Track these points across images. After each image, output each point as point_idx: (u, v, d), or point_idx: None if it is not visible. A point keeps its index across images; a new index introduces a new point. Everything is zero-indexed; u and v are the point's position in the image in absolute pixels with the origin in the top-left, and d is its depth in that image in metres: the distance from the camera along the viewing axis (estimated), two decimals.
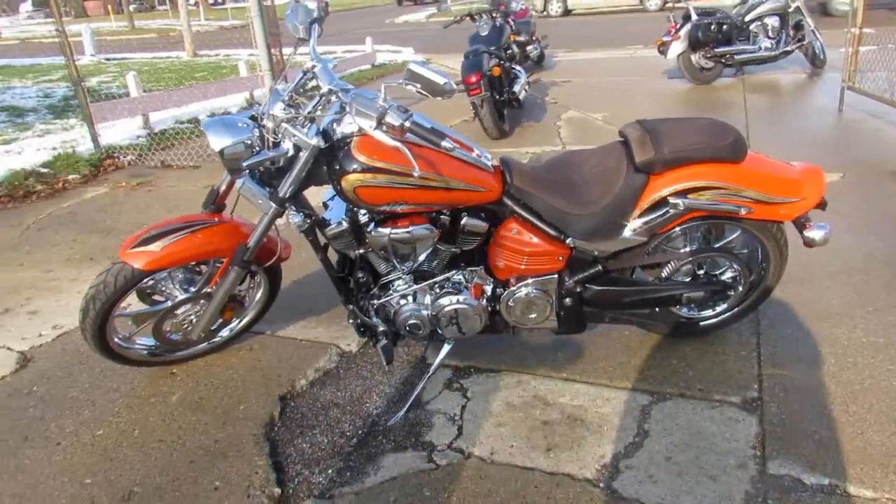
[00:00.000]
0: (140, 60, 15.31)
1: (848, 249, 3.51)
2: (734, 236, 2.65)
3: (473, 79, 5.97)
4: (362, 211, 2.38)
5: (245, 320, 2.92)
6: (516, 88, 6.57)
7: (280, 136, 2.29)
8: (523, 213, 2.43)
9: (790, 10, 8.25)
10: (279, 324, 3.19)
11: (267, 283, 2.83)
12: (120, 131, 7.36)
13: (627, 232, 2.41)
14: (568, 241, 2.43)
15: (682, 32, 8.20)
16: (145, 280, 2.53)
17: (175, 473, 2.28)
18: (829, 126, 6.10)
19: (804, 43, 8.36)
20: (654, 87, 8.60)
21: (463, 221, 2.41)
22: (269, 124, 2.28)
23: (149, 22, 31.43)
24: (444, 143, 2.05)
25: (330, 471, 2.28)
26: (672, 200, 2.35)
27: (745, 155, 2.40)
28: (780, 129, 6.10)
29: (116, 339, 2.65)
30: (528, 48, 9.95)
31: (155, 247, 2.43)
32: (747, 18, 8.29)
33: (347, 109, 2.12)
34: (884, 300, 3.01)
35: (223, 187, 2.59)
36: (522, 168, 2.47)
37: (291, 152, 2.29)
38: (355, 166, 2.20)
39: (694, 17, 8.26)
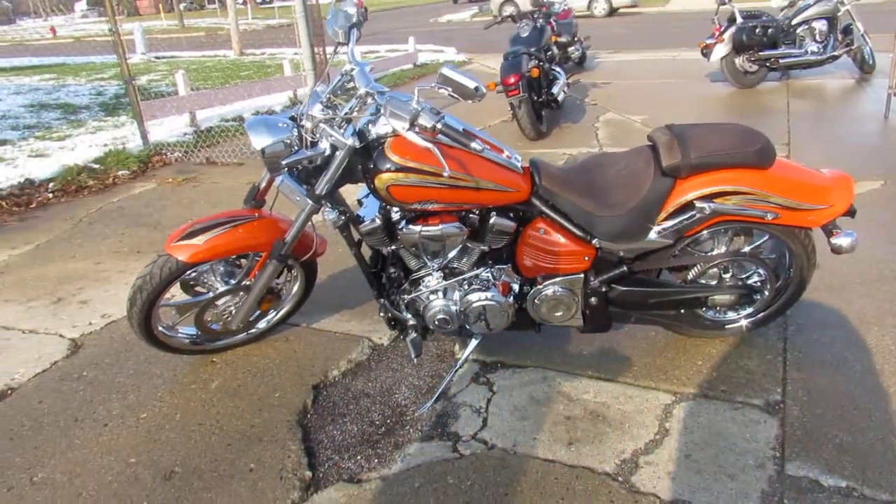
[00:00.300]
0: (188, 59, 15.73)
1: (885, 258, 3.48)
2: (762, 241, 2.67)
3: (512, 80, 6.03)
4: (395, 209, 2.48)
5: (282, 312, 3.04)
6: (555, 90, 6.61)
7: (318, 135, 2.39)
8: (551, 214, 2.49)
9: (839, 13, 8.11)
10: (315, 316, 3.31)
11: (303, 277, 2.95)
12: (168, 128, 7.60)
13: (653, 234, 2.46)
14: (594, 241, 2.49)
15: (727, 35, 8.12)
16: (189, 272, 2.67)
17: (213, 455, 2.41)
18: (874, 133, 6.01)
19: (853, 47, 8.19)
20: (696, 90, 8.54)
21: (492, 221, 2.48)
22: (308, 124, 2.39)
23: (198, 20, 32.20)
24: (474, 145, 2.12)
25: (359, 457, 2.38)
26: (698, 204, 2.40)
27: (773, 161, 2.43)
28: (822, 135, 6.02)
29: (161, 328, 2.79)
30: (570, 49, 9.96)
31: (198, 240, 2.56)
32: (794, 22, 8.16)
33: (382, 111, 2.22)
34: None
35: (263, 184, 2.71)
36: (551, 169, 2.54)
37: (328, 152, 2.39)
38: (389, 166, 2.29)
39: (739, 19, 8.18)
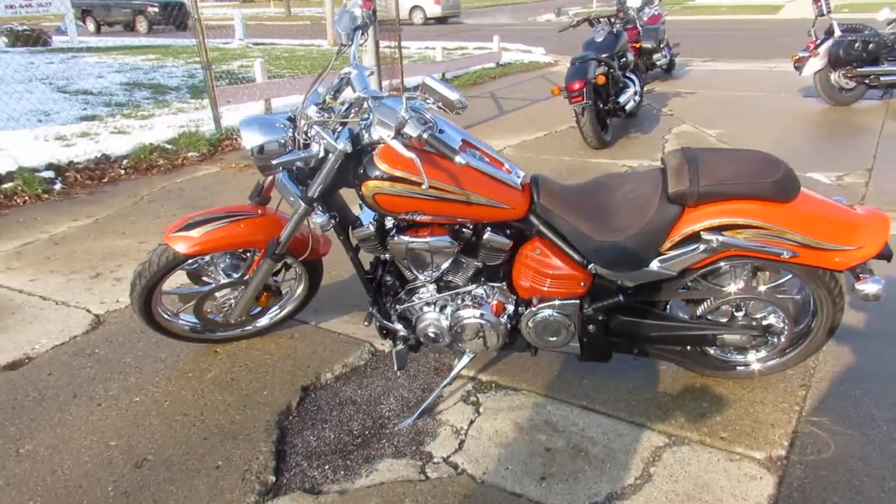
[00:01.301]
0: (283, 46, 16.19)
1: None
2: (782, 281, 2.44)
3: (577, 86, 5.86)
4: (388, 217, 2.42)
5: (286, 310, 3.04)
6: (622, 98, 6.38)
7: (312, 137, 2.36)
8: (548, 234, 2.37)
9: None
10: (325, 315, 3.30)
11: (307, 276, 2.93)
12: (243, 114, 7.80)
13: (654, 265, 2.29)
14: (590, 267, 2.35)
15: (822, 49, 7.61)
16: (189, 263, 2.70)
17: (188, 447, 2.43)
18: None
19: None
20: (785, 105, 8.06)
21: (485, 237, 2.38)
22: (303, 125, 2.35)
23: (305, 9, 33.14)
24: (458, 159, 2.03)
25: (327, 467, 2.33)
26: (705, 236, 2.21)
27: (794, 194, 2.21)
28: None
29: (163, 314, 2.84)
30: (655, 56, 9.60)
31: (195, 233, 2.58)
32: None
33: (370, 117, 2.16)
34: None
35: (267, 182, 2.71)
36: (552, 187, 2.41)
37: (321, 154, 2.36)
38: (377, 173, 2.23)
39: (837, 32, 7.64)
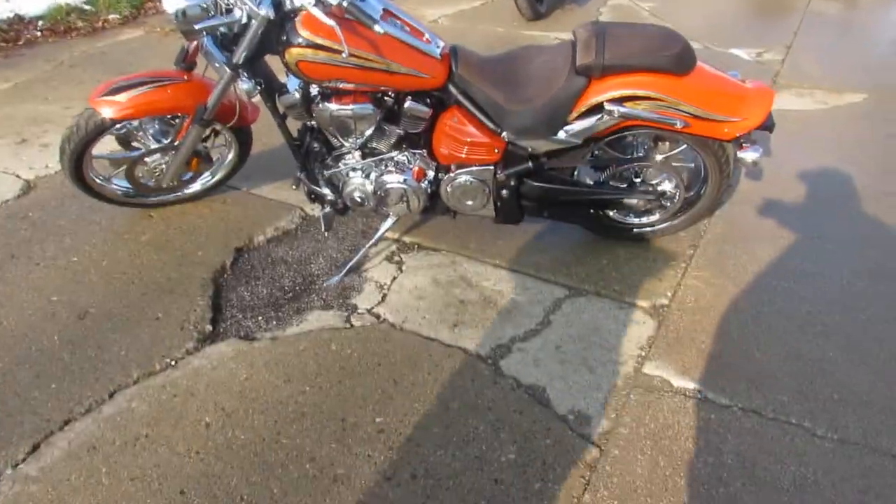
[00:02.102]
0: None
1: (828, 178, 3.47)
2: (678, 150, 2.68)
3: None
4: (313, 84, 2.50)
5: (217, 176, 3.14)
6: None
7: (234, 3, 2.38)
8: (464, 103, 2.51)
9: None
10: (256, 182, 3.41)
11: (236, 143, 3.01)
12: None
13: (561, 133, 2.48)
14: (503, 134, 2.52)
15: None
16: (117, 127, 2.75)
17: (127, 301, 2.60)
18: (888, 45, 5.74)
19: None
20: None
21: (406, 105, 2.50)
22: None
23: None
24: (377, 28, 2.12)
25: (260, 318, 2.55)
26: (607, 107, 2.39)
27: (690, 68, 2.40)
28: (829, 41, 5.76)
29: (95, 178, 2.91)
30: None
31: (122, 97, 2.62)
32: None
33: None
34: (834, 231, 3.02)
35: (192, 47, 2.73)
36: (470, 58, 2.52)
37: (244, 20, 2.39)
38: (299, 40, 2.29)
39: None
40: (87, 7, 6.40)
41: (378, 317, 2.55)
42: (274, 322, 2.53)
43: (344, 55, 2.18)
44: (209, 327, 2.49)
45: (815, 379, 2.24)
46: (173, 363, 2.31)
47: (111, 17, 6.33)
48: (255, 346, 2.39)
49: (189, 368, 2.29)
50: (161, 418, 2.10)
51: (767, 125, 2.50)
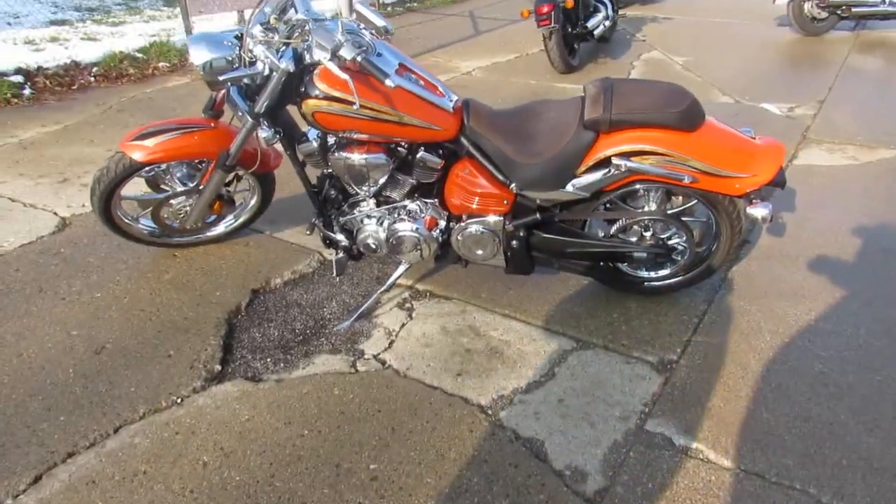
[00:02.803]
0: None
1: (858, 229, 3.41)
2: (690, 205, 2.67)
3: (545, 9, 5.89)
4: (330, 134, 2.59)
5: (240, 220, 3.25)
6: (591, 23, 6.42)
7: (257, 56, 2.50)
8: (475, 155, 2.56)
9: None
10: (279, 225, 3.51)
11: (259, 188, 3.12)
12: (217, 26, 7.75)
13: (570, 186, 2.50)
14: (512, 186, 2.55)
15: None
16: (146, 170, 2.87)
17: (143, 338, 2.68)
18: None
19: None
20: (757, 33, 8.11)
21: (419, 156, 2.57)
22: (249, 43, 2.49)
23: None
24: (388, 81, 2.20)
25: (268, 359, 2.60)
26: (615, 161, 2.42)
27: (698, 124, 2.42)
28: (864, 96, 5.70)
29: (123, 218, 3.03)
30: None
31: (150, 142, 2.74)
32: None
33: (309, 39, 2.31)
34: (855, 289, 2.95)
35: (220, 96, 2.85)
36: (482, 111, 2.58)
37: (266, 72, 2.50)
38: (316, 92, 2.39)
39: None
40: (138, 55, 6.75)
41: (383, 363, 2.57)
42: (282, 364, 2.57)
43: (355, 107, 2.26)
44: (218, 367, 2.54)
45: (823, 442, 2.18)
46: (179, 401, 2.37)
47: (161, 64, 6.65)
48: (260, 388, 2.43)
49: (194, 407, 2.34)
50: (161, 455, 2.14)
51: (778, 181, 2.49)
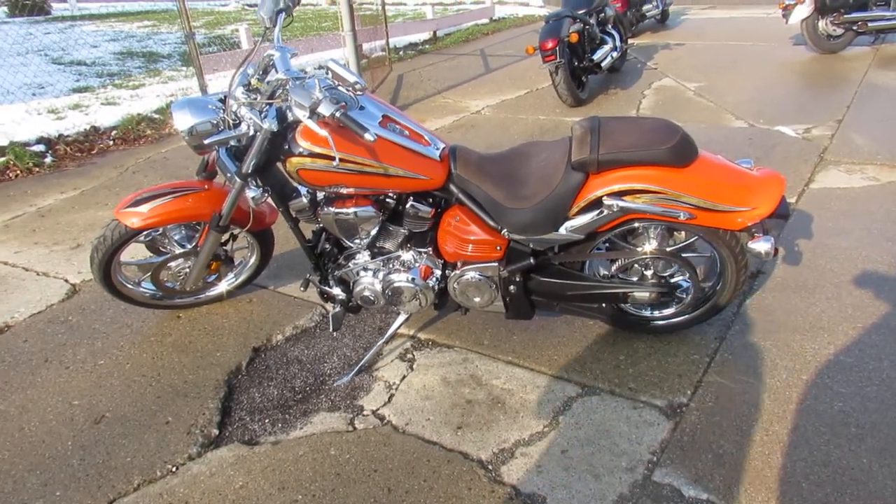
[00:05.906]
0: None
1: (876, 259, 3.27)
2: (691, 242, 2.59)
3: (549, 45, 5.91)
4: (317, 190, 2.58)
5: (241, 278, 3.25)
6: (597, 55, 6.41)
7: (241, 117, 2.51)
8: (465, 202, 2.52)
9: None
10: (282, 280, 3.50)
11: (258, 246, 3.12)
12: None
13: (563, 229, 2.44)
14: (503, 232, 2.50)
15: None
16: (142, 235, 2.89)
17: (142, 405, 2.66)
18: None
19: None
20: (772, 54, 8.02)
21: (408, 206, 2.55)
22: (232, 105, 2.51)
23: None
24: (367, 136, 2.18)
25: (266, 420, 2.55)
26: (606, 201, 2.36)
27: (691, 160, 2.35)
28: (886, 114, 5.55)
29: (125, 283, 3.05)
30: (646, 7, 9.54)
31: (144, 208, 2.76)
32: None
33: (288, 98, 2.31)
34: (878, 320, 2.81)
35: (212, 158, 2.88)
36: (469, 157, 2.55)
37: (251, 133, 2.52)
38: (299, 150, 2.39)
39: None
40: (156, 116, 6.90)
41: (382, 418, 2.51)
42: (279, 425, 2.52)
43: (335, 163, 2.25)
44: (215, 431, 2.51)
45: (844, 489, 2.04)
46: (174, 469, 2.33)
47: None
48: (256, 451, 2.38)
49: (188, 475, 2.29)
50: None
51: (781, 213, 2.40)
